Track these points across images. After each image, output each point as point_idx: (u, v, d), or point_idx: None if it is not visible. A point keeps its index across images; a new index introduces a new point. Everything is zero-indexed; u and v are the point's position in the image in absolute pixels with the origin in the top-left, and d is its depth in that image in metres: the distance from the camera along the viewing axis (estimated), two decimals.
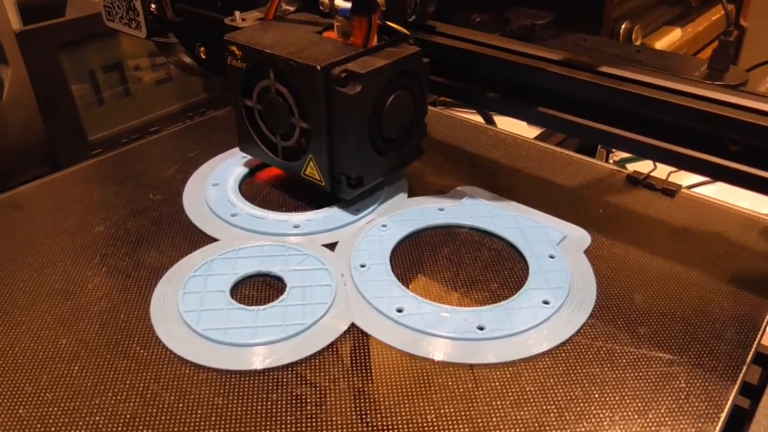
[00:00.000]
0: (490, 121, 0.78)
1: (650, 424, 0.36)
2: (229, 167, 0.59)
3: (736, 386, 0.38)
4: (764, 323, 0.43)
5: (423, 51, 0.51)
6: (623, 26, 0.93)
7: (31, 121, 0.75)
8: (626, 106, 0.47)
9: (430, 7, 0.54)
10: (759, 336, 0.42)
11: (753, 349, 0.41)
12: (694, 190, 0.58)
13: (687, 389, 0.38)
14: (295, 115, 0.50)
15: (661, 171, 0.56)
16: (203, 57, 0.67)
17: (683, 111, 0.45)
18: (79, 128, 0.81)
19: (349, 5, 0.49)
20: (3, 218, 0.53)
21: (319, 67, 0.46)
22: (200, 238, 0.50)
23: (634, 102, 0.47)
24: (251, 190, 0.57)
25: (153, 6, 0.65)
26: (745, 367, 0.39)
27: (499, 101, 0.55)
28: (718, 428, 0.36)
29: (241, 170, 0.58)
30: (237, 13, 0.55)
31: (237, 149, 0.58)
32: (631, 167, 0.60)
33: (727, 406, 0.37)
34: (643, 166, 0.58)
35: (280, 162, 0.54)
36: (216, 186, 0.56)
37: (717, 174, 0.46)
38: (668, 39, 1.04)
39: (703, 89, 0.45)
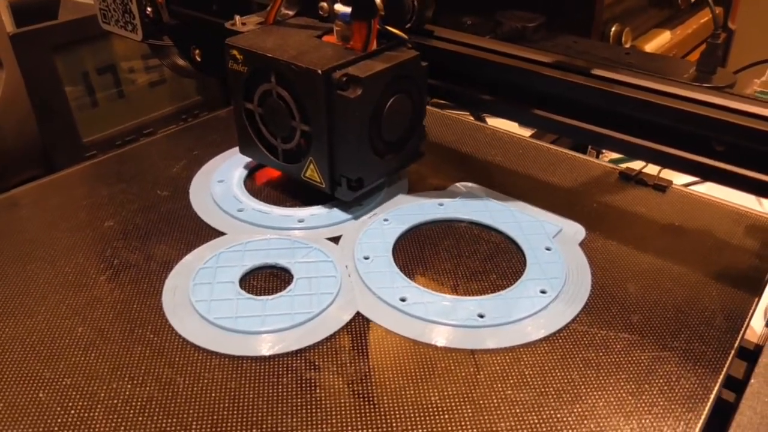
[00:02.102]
0: (481, 121, 0.79)
1: (643, 404, 0.38)
2: (233, 165, 0.61)
3: (725, 368, 0.40)
4: (751, 312, 0.45)
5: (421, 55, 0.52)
6: (613, 29, 0.94)
7: (25, 123, 0.76)
8: (616, 108, 0.49)
9: (428, 12, 0.54)
10: (746, 323, 0.44)
11: (741, 335, 0.43)
12: (690, 188, 0.60)
13: (678, 372, 0.40)
14: (296, 118, 0.51)
15: (653, 167, 0.58)
16: (198, 59, 0.68)
17: (671, 113, 0.46)
18: (73, 130, 0.81)
19: (348, 10, 0.49)
20: (12, 214, 0.55)
21: (320, 71, 0.47)
22: (208, 233, 0.52)
23: (624, 104, 0.48)
24: (255, 186, 0.58)
25: (149, 9, 0.66)
26: (733, 352, 0.41)
27: (494, 104, 0.56)
28: (707, 407, 0.38)
29: (245, 168, 0.60)
30: (237, 17, 0.56)
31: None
32: (622, 166, 0.62)
33: (716, 387, 0.39)
34: (635, 164, 0.60)
35: (280, 164, 0.55)
36: (221, 182, 0.58)
37: (704, 173, 0.47)
38: (657, 41, 1.06)
39: (691, 91, 0.46)
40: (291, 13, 0.57)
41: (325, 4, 0.54)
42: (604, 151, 0.87)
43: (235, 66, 0.53)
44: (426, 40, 0.56)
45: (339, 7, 0.50)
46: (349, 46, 0.51)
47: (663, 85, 0.47)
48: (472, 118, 0.77)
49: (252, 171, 0.60)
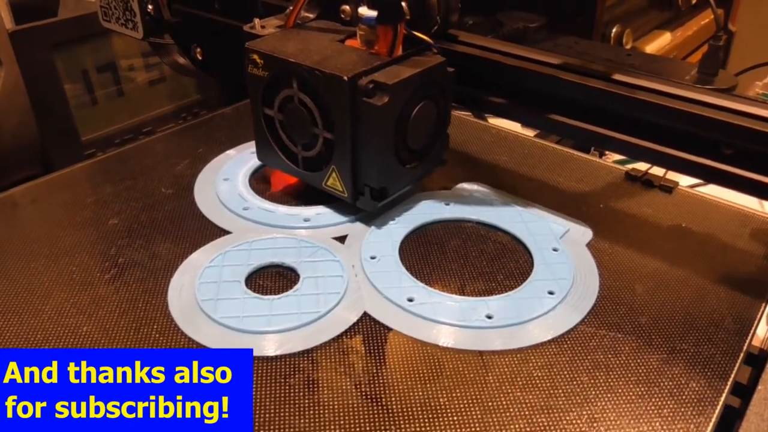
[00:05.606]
0: (483, 121, 0.79)
1: (653, 407, 0.38)
2: (238, 163, 0.60)
3: (734, 371, 0.40)
4: (759, 314, 0.45)
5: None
6: (614, 30, 0.94)
7: (24, 121, 0.76)
8: (622, 109, 0.48)
9: (453, 16, 0.52)
10: (755, 325, 0.44)
11: (749, 337, 0.42)
12: (697, 189, 0.60)
13: (687, 374, 0.40)
14: (319, 125, 0.49)
15: (659, 168, 0.58)
16: (199, 58, 0.67)
17: (681, 115, 0.46)
18: (72, 128, 0.81)
19: (373, 14, 0.48)
20: (15, 212, 0.55)
21: (346, 78, 0.46)
22: (213, 231, 0.52)
23: (636, 107, 0.47)
24: (261, 184, 0.58)
25: (150, 7, 0.66)
26: (742, 354, 0.41)
27: (510, 108, 0.54)
28: (717, 411, 0.38)
29: (251, 166, 0.60)
30: (256, 20, 0.54)
31: (245, 145, 0.59)
32: (628, 167, 0.61)
33: (726, 390, 0.39)
34: (641, 165, 0.60)
35: (300, 172, 0.53)
36: (227, 181, 0.57)
37: (711, 177, 0.47)
38: (658, 43, 1.05)
39: (700, 94, 0.46)
40: (311, 16, 0.56)
41: (347, 8, 0.53)
42: (606, 153, 0.87)
43: (254, 70, 0.51)
44: (450, 45, 0.53)
45: (363, 11, 0.48)
46: (373, 51, 0.49)
47: (672, 88, 0.47)
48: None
49: (257, 169, 0.60)
